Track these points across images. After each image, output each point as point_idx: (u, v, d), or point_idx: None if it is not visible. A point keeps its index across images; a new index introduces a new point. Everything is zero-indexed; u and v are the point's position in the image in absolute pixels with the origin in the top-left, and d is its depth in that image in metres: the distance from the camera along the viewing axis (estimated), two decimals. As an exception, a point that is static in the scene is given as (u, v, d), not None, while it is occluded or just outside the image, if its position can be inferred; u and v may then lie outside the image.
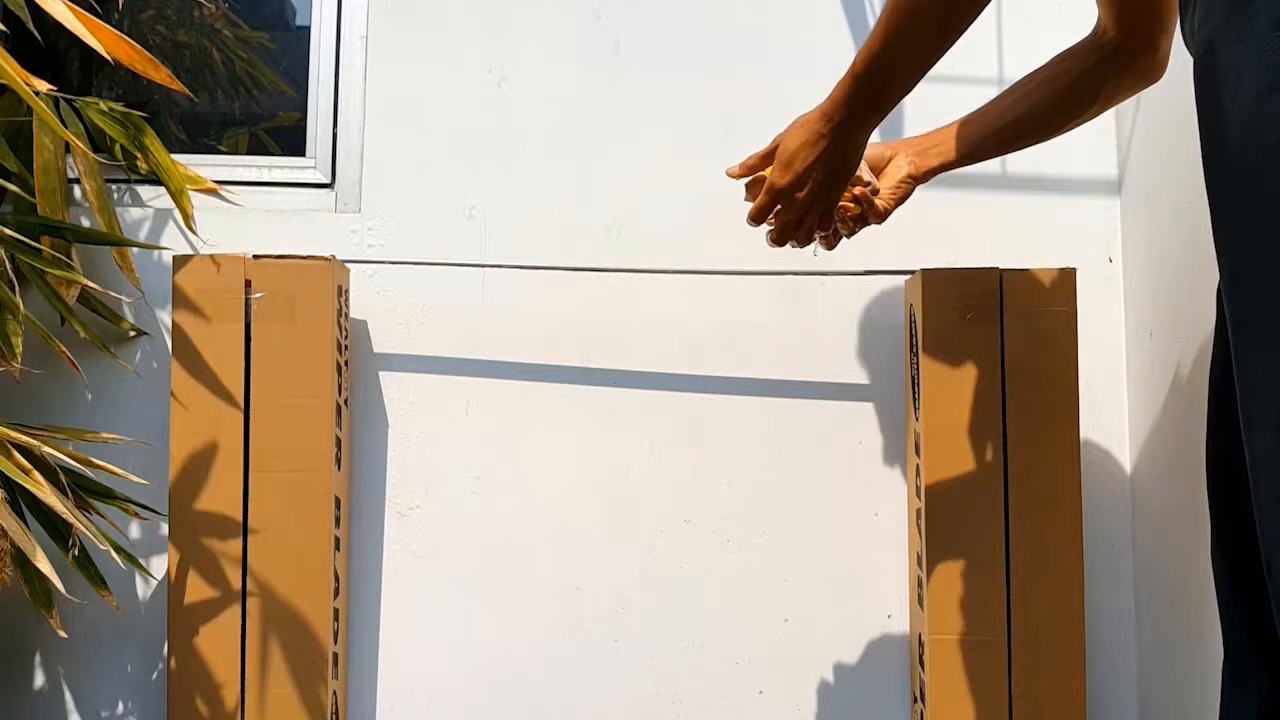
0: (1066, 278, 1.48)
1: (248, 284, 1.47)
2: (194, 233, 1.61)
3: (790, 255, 1.64)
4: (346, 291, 1.57)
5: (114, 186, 1.65)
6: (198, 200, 1.57)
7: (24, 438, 1.22)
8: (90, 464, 1.34)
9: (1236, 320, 0.76)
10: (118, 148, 1.57)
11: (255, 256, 1.49)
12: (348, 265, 1.59)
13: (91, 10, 1.41)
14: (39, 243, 1.41)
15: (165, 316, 1.61)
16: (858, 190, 1.19)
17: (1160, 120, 1.50)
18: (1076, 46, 1.17)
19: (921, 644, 1.50)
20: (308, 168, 1.70)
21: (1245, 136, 0.73)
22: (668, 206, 1.67)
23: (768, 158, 1.14)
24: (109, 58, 1.36)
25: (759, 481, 1.64)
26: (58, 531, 1.35)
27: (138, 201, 1.67)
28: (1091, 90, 1.16)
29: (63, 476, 1.26)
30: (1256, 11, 0.72)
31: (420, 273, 1.64)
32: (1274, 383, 0.72)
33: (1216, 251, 0.79)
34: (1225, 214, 0.78)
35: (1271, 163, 0.71)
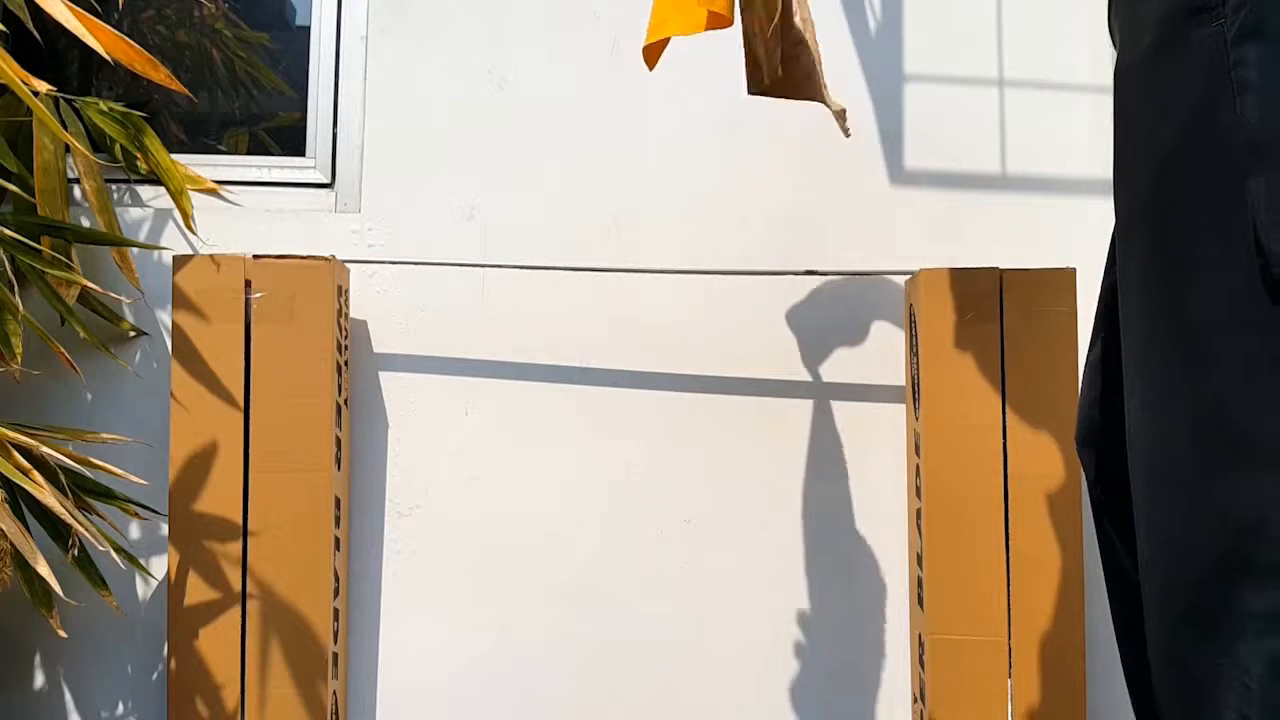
0: (1066, 278, 1.47)
1: (248, 284, 1.47)
2: (194, 233, 1.61)
3: (790, 255, 1.65)
4: (346, 291, 1.57)
5: (114, 186, 1.65)
6: (198, 200, 1.57)
7: (24, 438, 1.22)
8: (90, 464, 1.34)
9: (1128, 304, 0.80)
10: (118, 148, 1.57)
11: (255, 256, 1.49)
12: (348, 265, 1.59)
13: (91, 10, 1.41)
14: (39, 243, 1.41)
15: (165, 316, 1.61)
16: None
17: (1160, 120, 1.49)
18: None
19: (921, 644, 1.50)
20: (308, 168, 1.70)
21: (1183, 147, 0.74)
22: (667, 206, 1.66)
23: None
24: (109, 58, 1.36)
25: (759, 481, 1.64)
26: (58, 532, 1.35)
27: (138, 201, 1.67)
28: None
29: (62, 477, 1.26)
30: (1199, 26, 0.73)
31: (420, 273, 1.64)
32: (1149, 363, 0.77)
33: (1120, 246, 0.81)
34: (1144, 219, 0.79)
35: (1208, 180, 0.72)
